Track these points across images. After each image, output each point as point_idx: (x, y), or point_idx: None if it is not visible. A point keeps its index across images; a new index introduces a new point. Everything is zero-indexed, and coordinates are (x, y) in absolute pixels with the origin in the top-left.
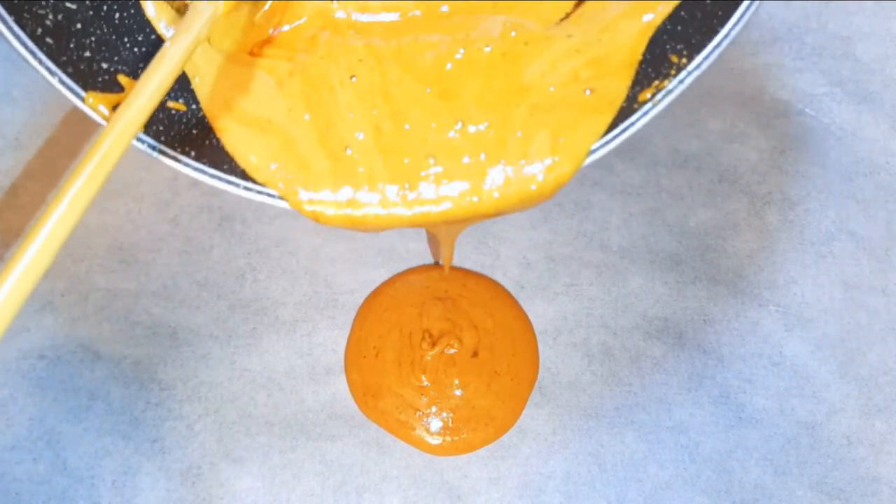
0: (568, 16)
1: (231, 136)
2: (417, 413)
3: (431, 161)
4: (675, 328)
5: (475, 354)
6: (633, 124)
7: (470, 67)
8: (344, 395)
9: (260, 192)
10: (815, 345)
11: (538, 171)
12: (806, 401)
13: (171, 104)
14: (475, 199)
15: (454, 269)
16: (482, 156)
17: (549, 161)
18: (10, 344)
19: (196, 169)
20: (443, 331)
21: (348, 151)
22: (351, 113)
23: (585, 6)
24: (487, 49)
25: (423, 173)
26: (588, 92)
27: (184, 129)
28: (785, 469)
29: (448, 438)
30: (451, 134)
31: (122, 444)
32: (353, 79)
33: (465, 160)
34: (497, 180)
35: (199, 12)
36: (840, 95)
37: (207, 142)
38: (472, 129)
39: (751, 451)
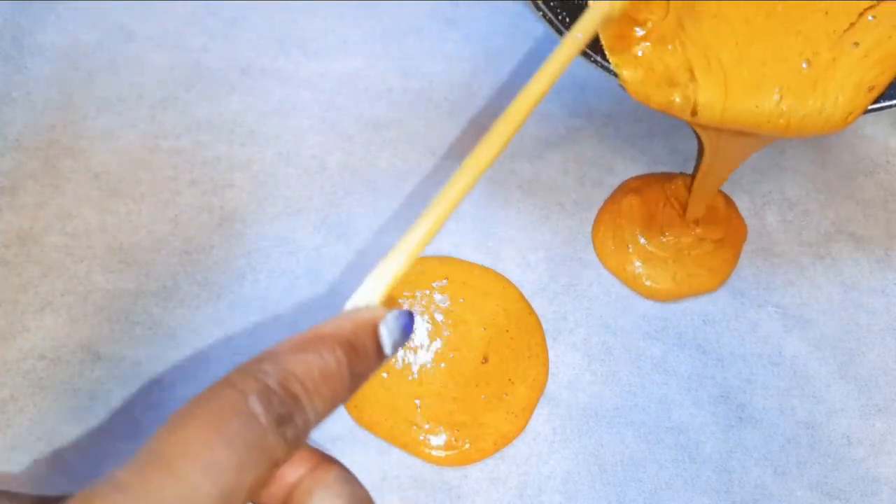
0: (853, 25)
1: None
2: (413, 427)
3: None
4: (675, 328)
5: (485, 360)
6: None
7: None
8: None
9: (607, 69)
10: (814, 345)
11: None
12: (806, 401)
13: None
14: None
15: (450, 258)
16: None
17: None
18: (10, 344)
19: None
20: (441, 329)
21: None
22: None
23: (880, 8)
24: (784, 108)
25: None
26: (870, 89)
27: None
28: (785, 469)
29: (451, 453)
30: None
31: (121, 444)
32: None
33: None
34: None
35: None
36: None
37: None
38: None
39: (751, 451)
